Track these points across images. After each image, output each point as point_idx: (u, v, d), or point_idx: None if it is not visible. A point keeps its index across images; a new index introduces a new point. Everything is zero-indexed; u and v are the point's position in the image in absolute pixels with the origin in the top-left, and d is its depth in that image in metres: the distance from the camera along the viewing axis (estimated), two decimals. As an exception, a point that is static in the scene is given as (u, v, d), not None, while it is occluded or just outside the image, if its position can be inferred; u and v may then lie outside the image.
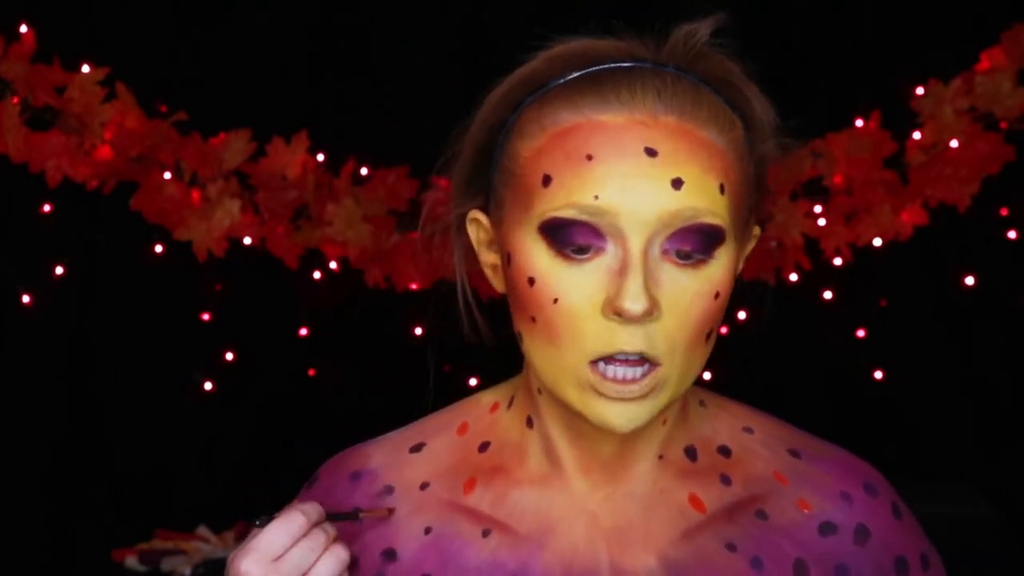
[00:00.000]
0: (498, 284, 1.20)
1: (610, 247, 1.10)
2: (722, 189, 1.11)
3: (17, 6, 3.59)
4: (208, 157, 3.64)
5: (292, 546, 1.12)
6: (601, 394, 1.10)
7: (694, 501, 1.20)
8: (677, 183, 1.09)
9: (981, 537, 3.32)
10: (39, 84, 3.54)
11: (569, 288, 1.10)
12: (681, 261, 1.11)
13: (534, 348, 1.14)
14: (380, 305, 3.71)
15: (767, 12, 3.77)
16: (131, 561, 3.42)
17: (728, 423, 1.25)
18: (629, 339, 1.09)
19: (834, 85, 3.79)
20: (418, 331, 3.61)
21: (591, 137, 1.11)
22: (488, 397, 1.27)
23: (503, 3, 3.75)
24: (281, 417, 3.82)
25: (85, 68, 3.57)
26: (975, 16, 3.70)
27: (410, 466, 1.24)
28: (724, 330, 3.66)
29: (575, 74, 1.14)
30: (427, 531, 1.20)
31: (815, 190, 3.70)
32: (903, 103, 3.65)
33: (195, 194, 3.65)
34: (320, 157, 3.73)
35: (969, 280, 3.72)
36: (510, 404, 1.24)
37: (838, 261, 3.69)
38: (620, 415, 1.11)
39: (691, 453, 1.22)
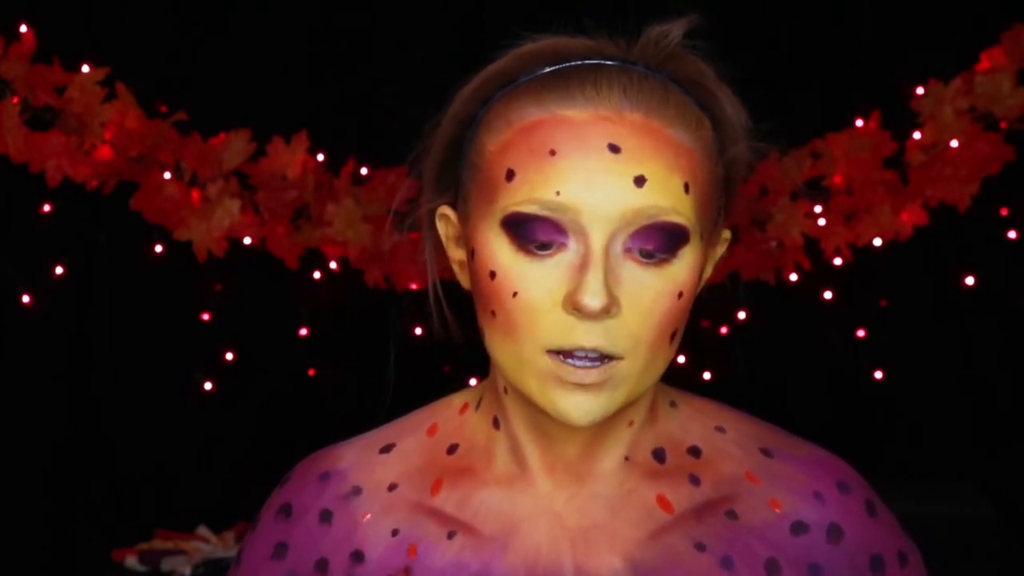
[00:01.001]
0: (464, 280, 1.20)
1: (572, 243, 1.10)
2: (687, 188, 1.11)
3: (17, 6, 3.59)
4: (208, 157, 3.64)
5: None
6: (561, 380, 1.10)
7: (662, 501, 1.19)
8: (640, 180, 1.09)
9: (981, 537, 3.32)
10: (39, 84, 3.54)
11: (529, 283, 1.10)
12: (644, 260, 1.10)
13: (494, 342, 1.14)
14: (380, 305, 3.71)
15: (766, 12, 3.77)
16: (131, 561, 3.42)
17: (700, 423, 1.25)
18: (586, 335, 1.09)
19: (834, 85, 3.79)
20: (418, 331, 3.61)
21: (555, 132, 1.10)
22: (459, 399, 1.27)
23: (503, 3, 3.75)
24: (281, 417, 3.82)
25: (85, 68, 3.57)
26: (975, 16, 3.70)
27: (379, 467, 1.24)
28: (724, 330, 3.66)
29: (544, 70, 1.14)
30: (394, 533, 1.20)
31: (815, 190, 3.70)
32: (903, 103, 3.65)
33: (195, 194, 3.65)
34: (320, 157, 3.73)
35: (969, 280, 3.72)
36: (478, 406, 1.24)
37: (838, 261, 3.69)
38: (578, 406, 1.10)
39: (659, 455, 1.22)
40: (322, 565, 1.21)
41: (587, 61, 1.14)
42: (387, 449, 1.25)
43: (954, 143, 3.61)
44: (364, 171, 3.72)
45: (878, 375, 3.78)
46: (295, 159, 3.67)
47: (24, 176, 3.57)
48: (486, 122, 1.15)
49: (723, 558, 1.17)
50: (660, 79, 1.14)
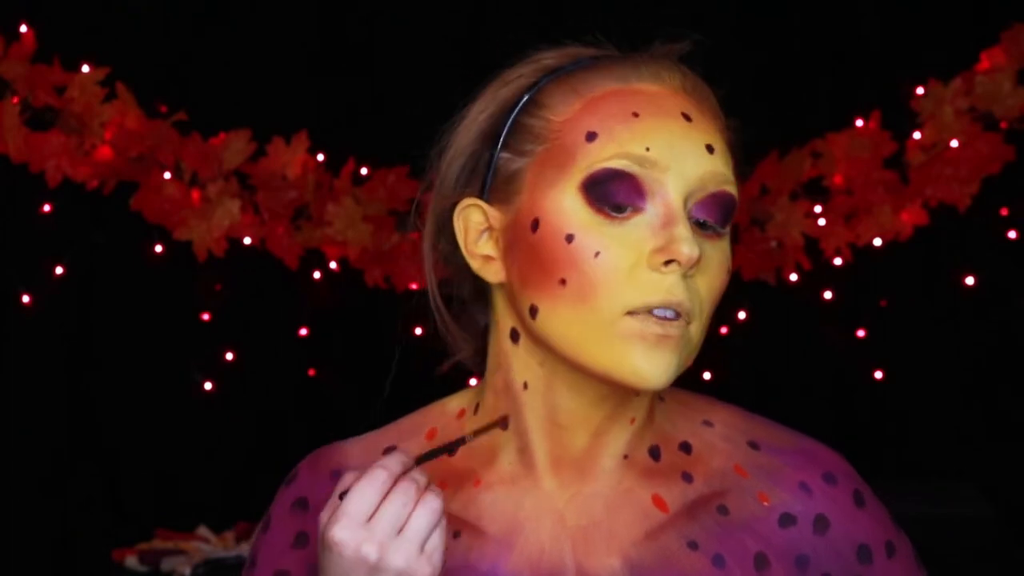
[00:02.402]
0: (492, 274, 1.19)
1: (649, 207, 1.13)
2: (733, 169, 1.17)
3: (17, 6, 3.59)
4: (208, 157, 3.64)
5: (382, 503, 1.08)
6: (644, 336, 1.11)
7: (657, 501, 1.20)
8: (711, 148, 1.15)
9: (981, 537, 3.32)
10: (39, 84, 3.54)
11: (611, 241, 1.12)
12: (702, 231, 1.14)
13: (557, 316, 1.14)
14: (380, 305, 3.71)
15: (768, 12, 3.77)
16: (131, 561, 3.42)
17: (687, 417, 1.26)
18: (672, 288, 1.11)
19: (834, 85, 3.79)
20: (418, 331, 3.60)
21: (633, 99, 1.15)
22: (454, 403, 1.27)
23: (503, 3, 3.75)
24: (281, 417, 3.82)
25: (85, 68, 3.57)
26: (975, 16, 3.70)
27: None
28: (724, 330, 3.66)
29: (599, 53, 1.19)
30: None
31: (815, 190, 3.70)
32: (903, 103, 3.65)
33: (195, 194, 3.65)
34: (320, 157, 3.72)
35: (969, 280, 3.72)
36: (476, 409, 1.24)
37: (838, 261, 3.69)
38: (658, 363, 1.12)
39: (655, 453, 1.23)
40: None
41: (644, 51, 1.20)
42: (389, 451, 1.24)
43: (954, 143, 3.61)
44: (364, 171, 3.72)
45: (878, 375, 3.78)
46: (295, 159, 3.67)
47: (24, 176, 3.57)
48: (540, 101, 1.17)
49: (715, 556, 1.19)
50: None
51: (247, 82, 3.72)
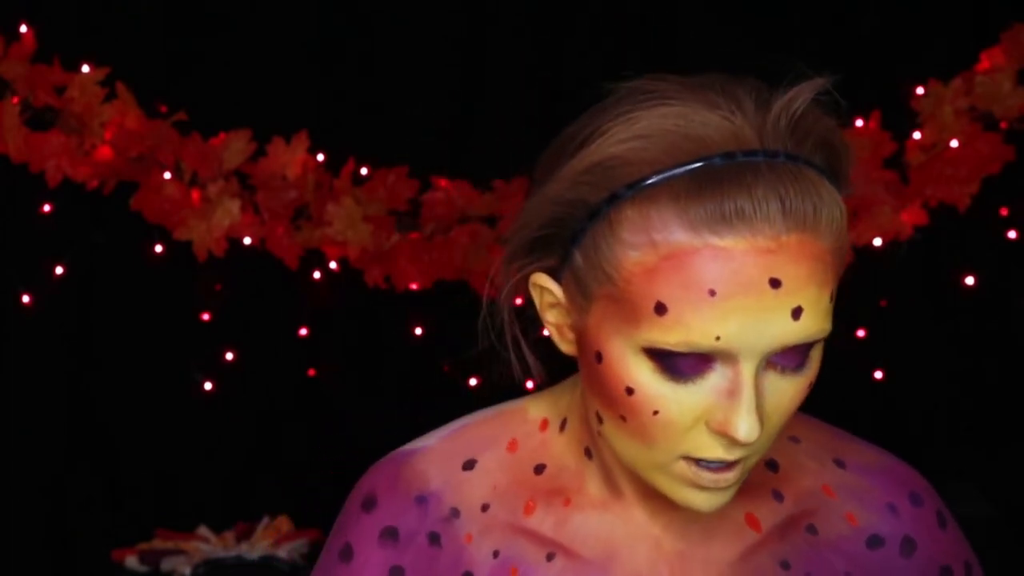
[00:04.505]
0: (565, 346, 1.14)
1: (718, 367, 1.05)
2: (832, 297, 1.08)
3: (17, 6, 3.59)
4: (208, 157, 3.64)
5: None
6: (695, 484, 1.08)
7: (750, 520, 1.19)
8: (797, 313, 1.03)
9: (981, 537, 3.31)
10: (39, 84, 3.54)
11: (671, 403, 1.05)
12: (780, 372, 1.07)
13: (618, 439, 1.10)
14: (380, 305, 3.71)
15: (767, 12, 3.77)
16: (131, 561, 3.42)
17: None
18: (729, 450, 1.07)
19: (834, 85, 3.78)
20: (418, 331, 3.61)
21: (712, 266, 1.01)
22: (535, 411, 1.23)
23: (503, 3, 3.75)
24: (281, 417, 3.82)
25: (85, 68, 3.57)
26: (975, 16, 3.70)
27: (467, 486, 1.20)
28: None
29: (679, 170, 1.03)
30: (495, 554, 1.18)
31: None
32: (903, 103, 3.65)
33: (195, 194, 3.65)
34: (320, 157, 3.72)
35: (969, 280, 3.72)
36: (562, 426, 1.21)
37: (838, 261, 3.68)
38: (707, 501, 1.09)
39: None
40: None
41: (729, 159, 1.04)
42: (469, 466, 1.21)
43: (954, 143, 3.61)
44: (364, 171, 3.72)
45: (878, 375, 3.77)
46: (295, 159, 3.67)
47: (24, 176, 3.57)
48: (617, 230, 1.05)
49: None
50: (805, 170, 1.07)
51: (247, 82, 3.71)
